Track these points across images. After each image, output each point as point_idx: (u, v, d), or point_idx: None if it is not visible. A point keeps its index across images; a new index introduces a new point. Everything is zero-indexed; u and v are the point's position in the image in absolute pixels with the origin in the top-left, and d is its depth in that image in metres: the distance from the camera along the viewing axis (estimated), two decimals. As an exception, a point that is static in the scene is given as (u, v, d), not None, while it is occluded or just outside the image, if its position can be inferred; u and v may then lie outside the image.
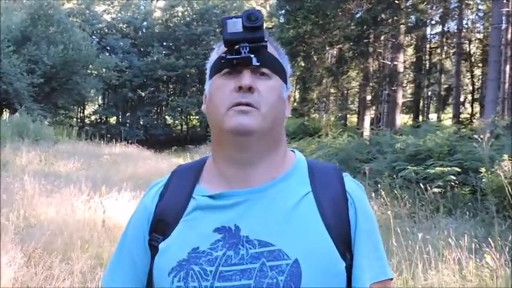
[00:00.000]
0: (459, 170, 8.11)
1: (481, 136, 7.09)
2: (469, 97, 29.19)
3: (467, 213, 6.78)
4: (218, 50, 1.19)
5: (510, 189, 4.80)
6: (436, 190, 7.62)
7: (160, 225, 1.15)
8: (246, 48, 1.07)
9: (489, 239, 4.65)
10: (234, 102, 1.08)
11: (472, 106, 28.47)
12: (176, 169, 1.26)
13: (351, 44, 17.74)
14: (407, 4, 18.31)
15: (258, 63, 1.08)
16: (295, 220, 1.08)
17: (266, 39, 1.11)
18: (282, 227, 1.07)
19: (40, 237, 5.05)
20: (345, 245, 1.09)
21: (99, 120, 38.17)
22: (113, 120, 38.76)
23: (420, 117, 26.75)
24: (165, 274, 1.09)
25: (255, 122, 1.07)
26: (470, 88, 28.36)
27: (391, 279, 1.14)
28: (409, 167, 8.59)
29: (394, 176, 8.85)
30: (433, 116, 29.56)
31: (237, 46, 1.08)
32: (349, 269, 1.09)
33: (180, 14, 38.24)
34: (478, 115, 26.16)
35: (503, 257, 4.39)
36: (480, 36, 26.54)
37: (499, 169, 6.89)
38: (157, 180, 1.26)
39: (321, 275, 1.05)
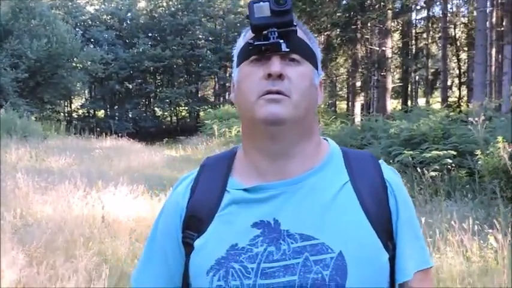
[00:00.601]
0: (454, 153, 8.16)
1: (476, 119, 7.13)
2: (456, 81, 29.35)
3: (466, 195, 6.83)
4: (245, 36, 1.14)
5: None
6: (433, 174, 7.67)
7: (194, 222, 1.11)
8: (274, 33, 1.02)
9: (493, 221, 4.67)
10: (264, 91, 1.03)
11: (459, 89, 28.65)
12: (205, 162, 1.21)
13: (339, 30, 17.74)
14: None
15: (287, 49, 1.04)
16: (336, 211, 1.05)
17: (295, 24, 1.06)
18: (322, 219, 1.04)
19: (40, 236, 4.98)
20: (387, 235, 1.07)
21: (87, 114, 37.84)
22: (101, 113, 38.46)
23: (409, 102, 26.89)
24: (203, 273, 1.06)
25: (286, 110, 1.03)
26: (457, 72, 28.52)
27: (432, 267, 1.13)
28: (405, 152, 8.62)
29: (391, 161, 8.86)
30: (421, 100, 29.71)
31: (265, 31, 1.03)
32: (391, 259, 1.07)
33: (164, 4, 37.91)
34: (465, 98, 26.36)
35: (506, 238, 4.43)
36: (465, 20, 26.67)
37: (495, 150, 6.95)
38: (186, 174, 1.22)
39: (366, 267, 1.02)
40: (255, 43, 1.04)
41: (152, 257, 1.19)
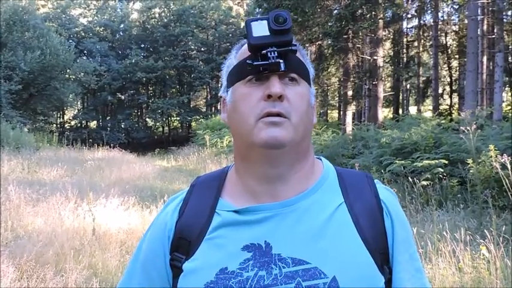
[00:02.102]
0: (446, 162, 8.17)
1: (467, 128, 7.15)
2: (447, 88, 29.49)
3: (458, 204, 6.84)
4: (237, 54, 1.10)
5: (507, 181, 4.82)
6: (424, 183, 7.67)
7: (183, 244, 1.08)
8: (274, 53, 0.99)
9: (485, 231, 4.67)
10: (264, 112, 1.00)
11: (450, 97, 28.80)
12: (195, 181, 1.18)
13: (331, 40, 17.79)
14: (384, -1, 18.43)
15: (286, 69, 1.01)
16: (330, 235, 1.02)
17: (295, 43, 1.04)
18: (316, 242, 1.01)
19: (31, 249, 4.95)
20: (383, 257, 1.04)
21: (79, 125, 37.79)
22: (93, 124, 38.41)
23: (400, 111, 26.98)
24: None
25: (286, 134, 1.00)
26: (448, 80, 28.66)
27: None
28: (397, 161, 8.63)
29: (382, 170, 8.88)
30: (412, 109, 29.81)
31: (264, 51, 1.00)
32: (387, 282, 1.04)
33: (157, 15, 37.97)
34: (456, 106, 26.49)
35: (499, 248, 4.42)
36: (456, 28, 26.83)
37: (487, 159, 6.96)
38: (175, 194, 1.18)
39: None
40: (255, 63, 1.01)
41: (135, 278, 1.16)
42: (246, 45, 1.07)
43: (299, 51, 1.10)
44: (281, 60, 1.00)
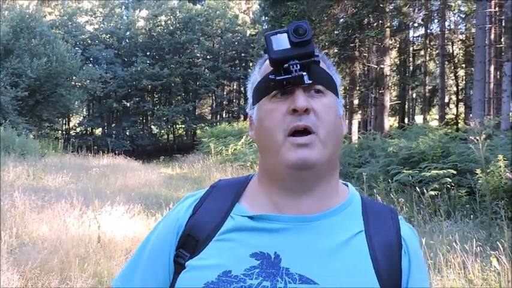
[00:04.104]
0: (454, 172, 8.11)
1: (476, 137, 7.09)
2: (454, 98, 29.40)
3: (467, 215, 6.77)
4: (261, 70, 1.08)
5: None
6: (432, 193, 7.62)
7: (190, 241, 1.05)
8: (296, 65, 0.97)
9: (496, 243, 4.60)
10: (291, 127, 0.98)
11: (457, 107, 28.70)
12: (216, 183, 1.16)
13: (337, 48, 17.78)
14: (391, 7, 18.43)
15: (310, 81, 0.98)
16: (343, 259, 0.99)
17: (317, 54, 1.01)
18: (327, 264, 0.98)
19: (36, 256, 4.91)
20: None
21: (84, 132, 37.87)
22: (98, 131, 38.48)
23: (406, 120, 26.91)
24: None
25: (316, 154, 0.98)
26: (455, 89, 28.57)
27: None
28: (404, 171, 8.56)
29: (389, 180, 8.81)
30: (418, 118, 29.75)
31: (286, 65, 0.97)
32: None
33: (163, 23, 38.07)
34: (463, 115, 26.40)
35: (510, 260, 4.36)
36: (462, 37, 26.78)
37: (496, 169, 6.90)
38: (193, 192, 1.17)
39: None
40: (277, 78, 0.98)
41: (138, 267, 1.13)
42: (268, 60, 1.05)
43: (323, 61, 1.07)
44: (304, 73, 0.97)
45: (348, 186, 1.14)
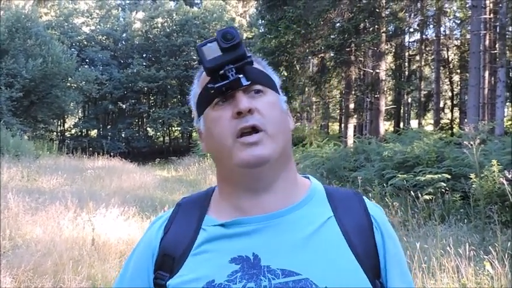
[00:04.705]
0: (448, 176, 8.12)
1: (471, 142, 7.11)
2: (449, 103, 29.50)
3: (461, 219, 6.79)
4: (199, 82, 1.10)
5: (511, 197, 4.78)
6: (427, 197, 7.63)
7: (167, 261, 1.05)
8: (232, 70, 0.99)
9: (489, 247, 4.62)
10: (238, 129, 0.99)
11: (451, 112, 28.80)
12: (180, 201, 1.17)
13: (333, 53, 17.80)
14: (387, 13, 18.47)
15: (248, 82, 1.01)
16: (320, 246, 1.00)
17: (249, 55, 1.02)
18: (306, 254, 0.99)
19: (29, 258, 4.88)
20: (374, 271, 1.03)
21: (79, 133, 37.78)
22: (93, 133, 38.41)
23: (401, 124, 26.98)
24: None
25: (266, 149, 0.99)
26: (450, 94, 28.67)
27: None
28: (399, 175, 8.58)
29: (384, 184, 8.83)
30: (414, 122, 29.83)
31: (221, 71, 0.99)
32: None
33: (159, 25, 38.09)
34: (457, 120, 26.49)
35: (504, 264, 4.37)
36: (458, 43, 26.88)
37: (489, 174, 6.92)
38: (161, 214, 1.17)
39: None
40: (216, 86, 0.99)
41: None
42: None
43: (258, 63, 1.09)
44: (241, 75, 0.99)
45: (309, 178, 1.16)
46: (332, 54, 18.32)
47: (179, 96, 38.39)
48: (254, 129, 1.00)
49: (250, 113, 0.99)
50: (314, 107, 25.52)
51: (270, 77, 1.09)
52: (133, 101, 37.46)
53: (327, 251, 1.00)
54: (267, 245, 1.00)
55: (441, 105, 27.15)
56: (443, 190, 7.91)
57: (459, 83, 27.63)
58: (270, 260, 0.99)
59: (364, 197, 1.13)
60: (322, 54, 18.96)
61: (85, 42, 37.51)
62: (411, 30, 25.50)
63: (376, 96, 17.85)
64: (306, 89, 20.86)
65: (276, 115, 1.04)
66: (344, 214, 1.06)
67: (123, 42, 39.35)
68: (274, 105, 1.05)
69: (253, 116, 1.00)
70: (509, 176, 4.55)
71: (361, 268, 1.00)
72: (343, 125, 22.62)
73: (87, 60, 36.28)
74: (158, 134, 40.37)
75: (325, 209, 1.07)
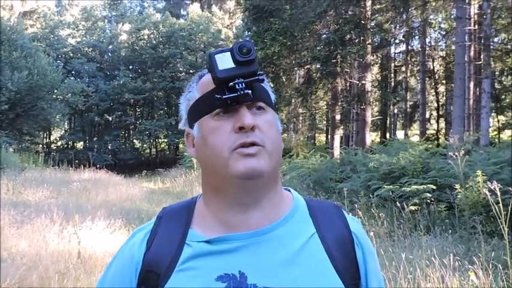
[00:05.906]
0: (434, 187, 8.19)
1: (456, 153, 7.17)
2: (434, 113, 29.78)
3: (446, 230, 6.84)
4: (199, 87, 1.09)
5: (496, 207, 4.83)
6: (412, 208, 7.68)
7: (151, 277, 1.04)
8: (242, 84, 0.99)
9: (473, 257, 4.66)
10: (238, 144, 1.00)
11: (437, 122, 29.06)
12: (162, 213, 1.14)
13: (319, 64, 17.91)
14: (372, 24, 18.66)
15: (253, 99, 1.02)
16: (304, 264, 1.02)
17: (260, 72, 1.04)
18: (291, 272, 1.00)
19: (14, 272, 4.84)
20: (354, 287, 1.06)
21: (65, 145, 37.49)
22: (80, 145, 38.15)
23: (387, 135, 27.15)
24: None
25: (264, 163, 1.00)
26: (435, 105, 28.95)
27: None
28: (385, 186, 8.63)
29: (370, 195, 8.88)
30: (400, 133, 30.03)
31: (231, 83, 1.00)
32: None
33: (146, 37, 38.05)
34: (443, 131, 26.72)
35: (488, 274, 4.41)
36: (443, 54, 27.19)
37: (474, 185, 6.99)
38: (141, 226, 1.15)
39: None
40: (223, 97, 0.99)
41: None
42: (206, 76, 1.07)
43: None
44: (249, 91, 1.00)
45: (290, 191, 1.17)
46: (318, 66, 18.44)
47: (166, 108, 38.32)
48: (254, 145, 1.00)
49: (252, 129, 1.00)
50: (301, 118, 25.64)
51: (270, 95, 1.10)
52: (119, 112, 37.29)
53: (311, 269, 1.02)
54: (253, 263, 1.01)
55: (427, 115, 27.38)
56: (428, 201, 7.97)
57: (445, 93, 27.91)
58: (256, 278, 0.99)
59: (343, 211, 1.15)
60: (308, 66, 19.08)
61: (71, 54, 37.35)
62: (397, 41, 25.82)
63: (362, 107, 17.97)
64: (293, 100, 20.95)
65: (274, 134, 1.05)
66: (326, 230, 1.08)
67: (109, 54, 39.23)
68: (273, 124, 1.06)
69: (254, 133, 1.00)
70: (492, 187, 4.59)
71: (342, 284, 1.02)
72: (329, 136, 22.73)
73: (73, 72, 36.10)
74: (145, 145, 40.18)
75: (307, 225, 1.08)
